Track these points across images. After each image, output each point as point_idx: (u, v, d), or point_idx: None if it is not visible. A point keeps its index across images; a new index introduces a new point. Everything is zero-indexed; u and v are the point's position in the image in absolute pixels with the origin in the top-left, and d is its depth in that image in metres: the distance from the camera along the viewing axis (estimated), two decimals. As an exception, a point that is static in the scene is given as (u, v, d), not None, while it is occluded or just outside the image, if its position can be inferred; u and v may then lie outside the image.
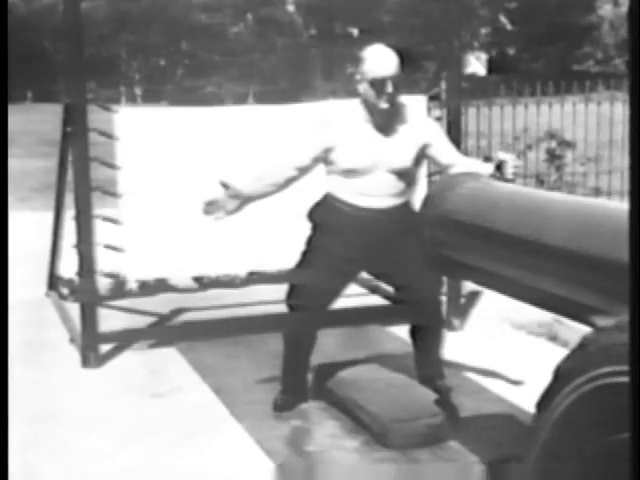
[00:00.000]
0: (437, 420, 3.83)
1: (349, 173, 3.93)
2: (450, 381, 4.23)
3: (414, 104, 5.59)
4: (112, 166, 5.02)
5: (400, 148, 3.93)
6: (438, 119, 5.94)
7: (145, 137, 5.08)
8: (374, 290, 5.81)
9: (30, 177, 12.13)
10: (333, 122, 3.98)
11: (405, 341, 4.43)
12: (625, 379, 1.98)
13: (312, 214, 4.11)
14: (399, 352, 4.71)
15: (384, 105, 3.85)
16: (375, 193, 3.94)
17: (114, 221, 5.01)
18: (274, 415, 4.14)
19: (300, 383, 4.27)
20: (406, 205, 4.04)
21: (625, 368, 1.98)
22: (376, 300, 5.68)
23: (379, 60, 3.85)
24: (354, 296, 5.10)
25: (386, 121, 3.92)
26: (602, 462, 2.08)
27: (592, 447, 2.11)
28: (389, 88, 3.82)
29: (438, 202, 3.37)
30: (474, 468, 3.52)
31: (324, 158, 3.96)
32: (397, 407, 3.93)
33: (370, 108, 3.90)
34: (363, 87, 3.88)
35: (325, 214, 4.06)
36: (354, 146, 3.90)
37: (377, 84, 3.82)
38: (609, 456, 2.06)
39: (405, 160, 3.94)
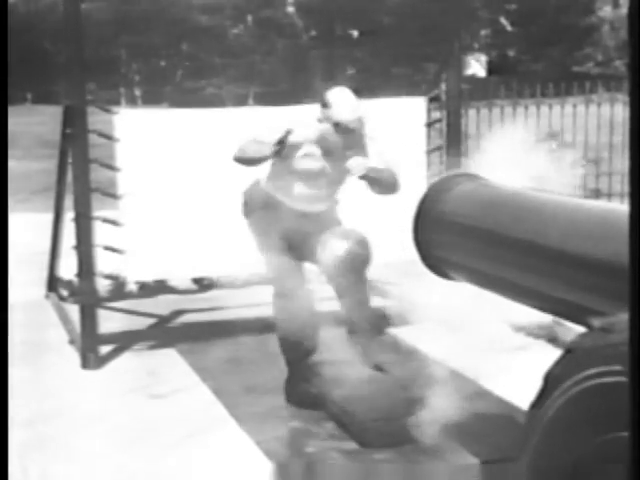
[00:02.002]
0: (413, 419, 3.82)
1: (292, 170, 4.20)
2: (449, 381, 4.23)
3: (414, 106, 5.63)
4: (112, 168, 5.03)
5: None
6: (438, 121, 5.96)
7: (145, 138, 5.08)
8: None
9: (30, 178, 12.11)
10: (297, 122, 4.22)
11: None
12: (610, 379, 1.99)
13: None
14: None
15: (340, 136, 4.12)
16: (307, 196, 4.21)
17: (114, 223, 5.01)
18: (274, 416, 4.15)
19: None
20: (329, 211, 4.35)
21: (610, 369, 1.99)
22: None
23: (344, 107, 4.11)
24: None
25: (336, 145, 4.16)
26: (591, 463, 2.09)
27: (582, 448, 2.12)
28: (350, 127, 4.09)
29: (434, 203, 3.37)
30: (473, 468, 3.53)
31: (284, 141, 4.11)
32: (374, 406, 3.93)
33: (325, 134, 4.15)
34: (324, 125, 4.13)
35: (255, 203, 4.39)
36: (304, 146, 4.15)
37: (340, 127, 4.10)
38: (598, 456, 2.07)
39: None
